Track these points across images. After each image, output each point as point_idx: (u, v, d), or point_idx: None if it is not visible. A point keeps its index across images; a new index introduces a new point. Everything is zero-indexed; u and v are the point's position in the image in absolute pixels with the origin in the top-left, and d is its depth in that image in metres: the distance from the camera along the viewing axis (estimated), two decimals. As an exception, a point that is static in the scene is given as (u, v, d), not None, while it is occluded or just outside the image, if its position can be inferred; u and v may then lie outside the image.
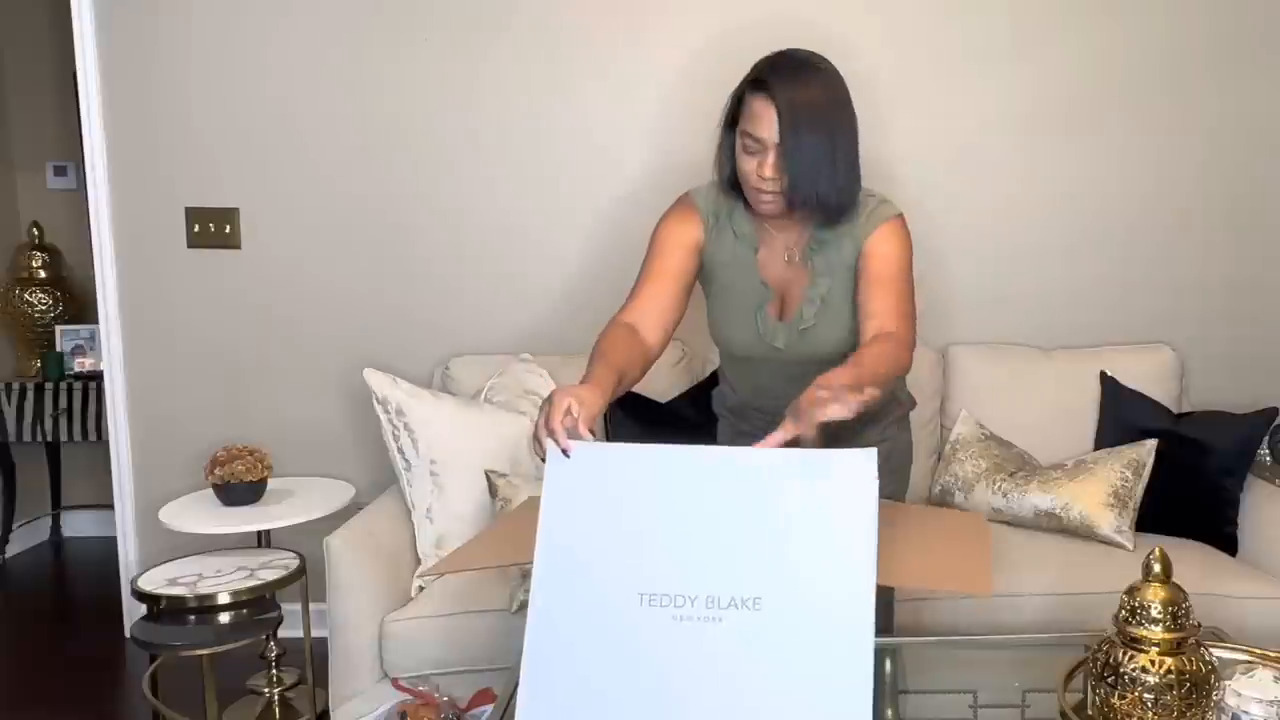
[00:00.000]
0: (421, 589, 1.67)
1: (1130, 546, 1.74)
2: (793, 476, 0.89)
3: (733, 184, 1.24)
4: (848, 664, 0.82)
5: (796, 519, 0.87)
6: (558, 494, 0.90)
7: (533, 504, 0.96)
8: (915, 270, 2.32)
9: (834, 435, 1.24)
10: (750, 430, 1.35)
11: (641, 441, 1.91)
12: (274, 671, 1.88)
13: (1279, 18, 2.07)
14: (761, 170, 1.16)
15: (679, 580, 0.86)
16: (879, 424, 1.34)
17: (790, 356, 1.27)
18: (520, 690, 0.89)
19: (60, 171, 2.90)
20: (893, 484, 1.36)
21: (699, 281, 1.31)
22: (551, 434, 0.94)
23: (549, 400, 0.98)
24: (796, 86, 1.15)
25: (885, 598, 1.35)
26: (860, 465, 0.88)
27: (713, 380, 1.98)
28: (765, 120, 1.14)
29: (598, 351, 1.15)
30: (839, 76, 1.19)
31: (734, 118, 1.20)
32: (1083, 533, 1.78)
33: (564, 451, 0.94)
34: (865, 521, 0.86)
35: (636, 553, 0.88)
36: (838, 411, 0.97)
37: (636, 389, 1.92)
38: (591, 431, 0.97)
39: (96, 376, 2.57)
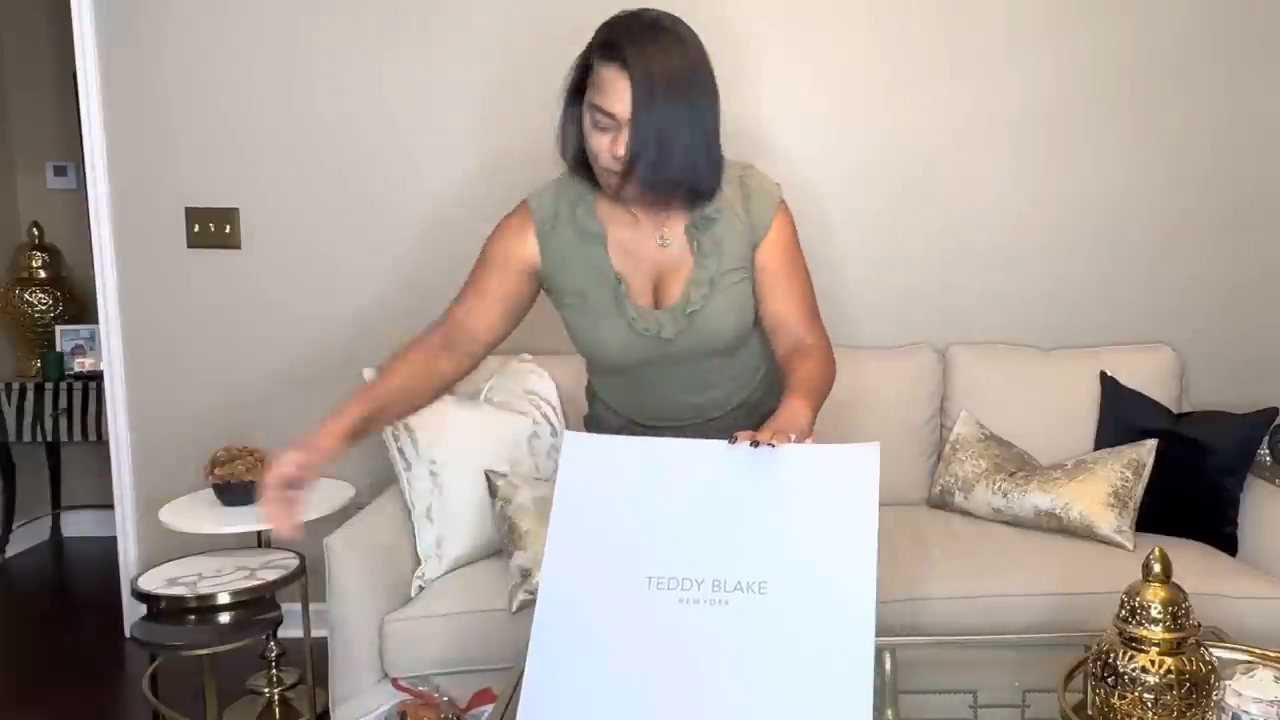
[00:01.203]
0: (421, 589, 1.67)
1: (1130, 546, 1.74)
2: (798, 467, 0.90)
3: (581, 163, 1.10)
4: (850, 648, 0.85)
5: (801, 508, 0.89)
6: (571, 481, 0.92)
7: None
8: (920, 269, 2.33)
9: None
10: None
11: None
12: (274, 671, 1.88)
13: (1277, 15, 2.07)
14: (615, 148, 1.02)
15: (686, 564, 0.88)
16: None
17: (679, 350, 1.14)
18: (527, 670, 0.90)
19: (60, 171, 2.90)
20: None
21: (551, 299, 1.18)
22: (264, 493, 0.94)
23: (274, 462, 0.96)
24: (652, 53, 1.00)
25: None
26: (863, 457, 0.91)
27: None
28: (616, 93, 1.00)
29: (380, 375, 1.12)
30: (698, 39, 1.04)
31: (579, 88, 1.06)
32: (1083, 533, 1.77)
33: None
34: (867, 510, 0.90)
35: (645, 538, 0.90)
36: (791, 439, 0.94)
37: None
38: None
39: (96, 376, 2.57)
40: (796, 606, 0.86)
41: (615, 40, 1.02)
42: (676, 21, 1.05)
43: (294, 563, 1.76)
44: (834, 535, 0.89)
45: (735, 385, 1.22)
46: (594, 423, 1.30)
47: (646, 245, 1.14)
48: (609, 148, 1.03)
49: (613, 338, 1.14)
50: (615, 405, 1.25)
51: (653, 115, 1.00)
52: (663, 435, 1.20)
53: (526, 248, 1.15)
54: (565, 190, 1.15)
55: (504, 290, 1.16)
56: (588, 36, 1.95)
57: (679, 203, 1.11)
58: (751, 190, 1.14)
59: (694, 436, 1.18)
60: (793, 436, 0.96)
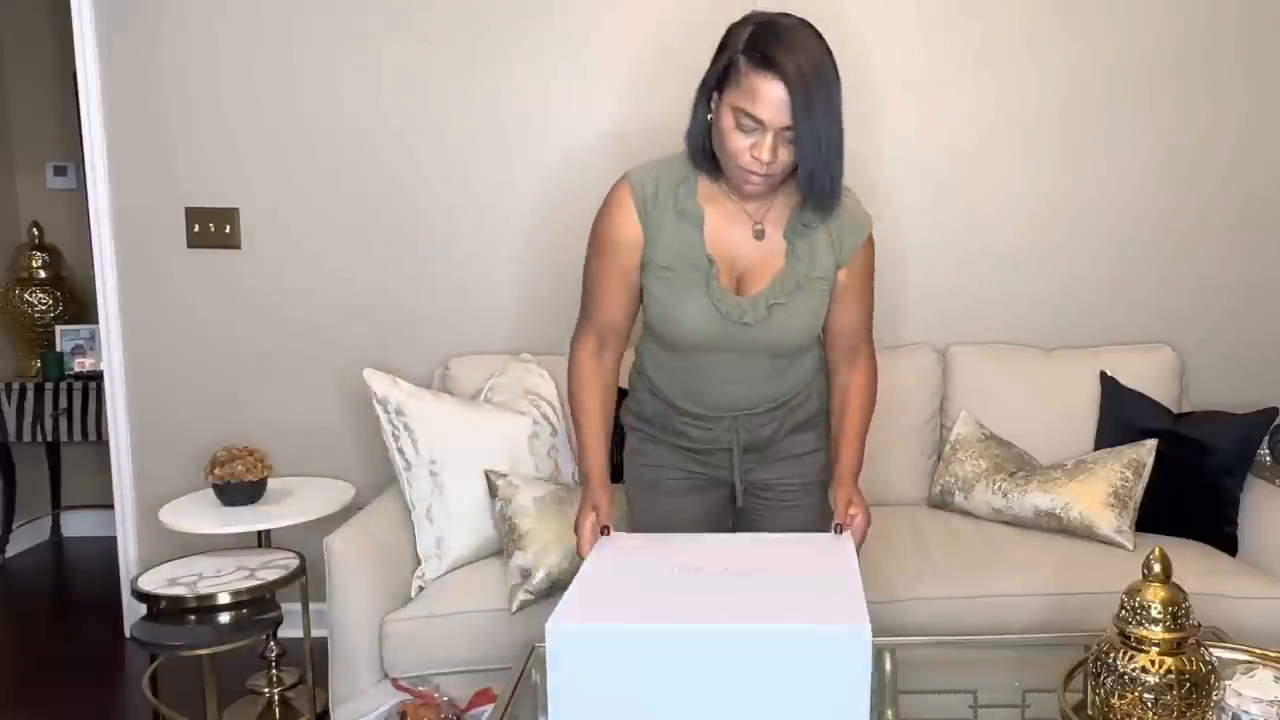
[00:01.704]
0: (421, 589, 1.67)
1: (1130, 546, 1.74)
2: (787, 653, 0.92)
3: (705, 155, 1.15)
4: None
5: (790, 696, 0.91)
6: (564, 679, 0.92)
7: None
8: (921, 269, 2.33)
9: (762, 446, 1.29)
10: (664, 440, 1.29)
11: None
12: (274, 671, 1.88)
13: (1276, 21, 2.07)
14: (758, 151, 1.08)
15: None
16: (811, 432, 1.31)
17: (750, 340, 1.19)
18: None
19: (60, 171, 2.90)
20: (825, 500, 1.32)
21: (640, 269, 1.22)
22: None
23: (580, 517, 1.18)
24: (806, 65, 1.05)
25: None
26: (851, 641, 0.90)
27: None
28: (770, 101, 1.05)
29: (583, 416, 1.25)
30: (829, 47, 1.10)
31: (718, 86, 1.10)
32: (1083, 533, 1.77)
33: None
34: (857, 698, 0.90)
35: None
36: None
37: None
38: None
39: (96, 376, 2.57)
40: None
41: (767, 49, 1.06)
42: (812, 28, 1.10)
43: (294, 563, 1.76)
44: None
45: (784, 386, 1.27)
46: (633, 404, 1.33)
47: (741, 235, 1.19)
48: (751, 150, 1.09)
49: (694, 315, 1.18)
50: (661, 387, 1.28)
51: (812, 123, 1.07)
52: (697, 423, 1.28)
53: (631, 225, 1.19)
54: (669, 170, 1.19)
55: (625, 272, 1.21)
56: (600, 36, 1.92)
57: (805, 204, 1.17)
58: (849, 211, 1.21)
59: (728, 428, 1.27)
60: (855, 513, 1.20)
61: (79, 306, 2.79)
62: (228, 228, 2.12)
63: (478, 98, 2.09)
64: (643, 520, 1.31)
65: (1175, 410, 1.97)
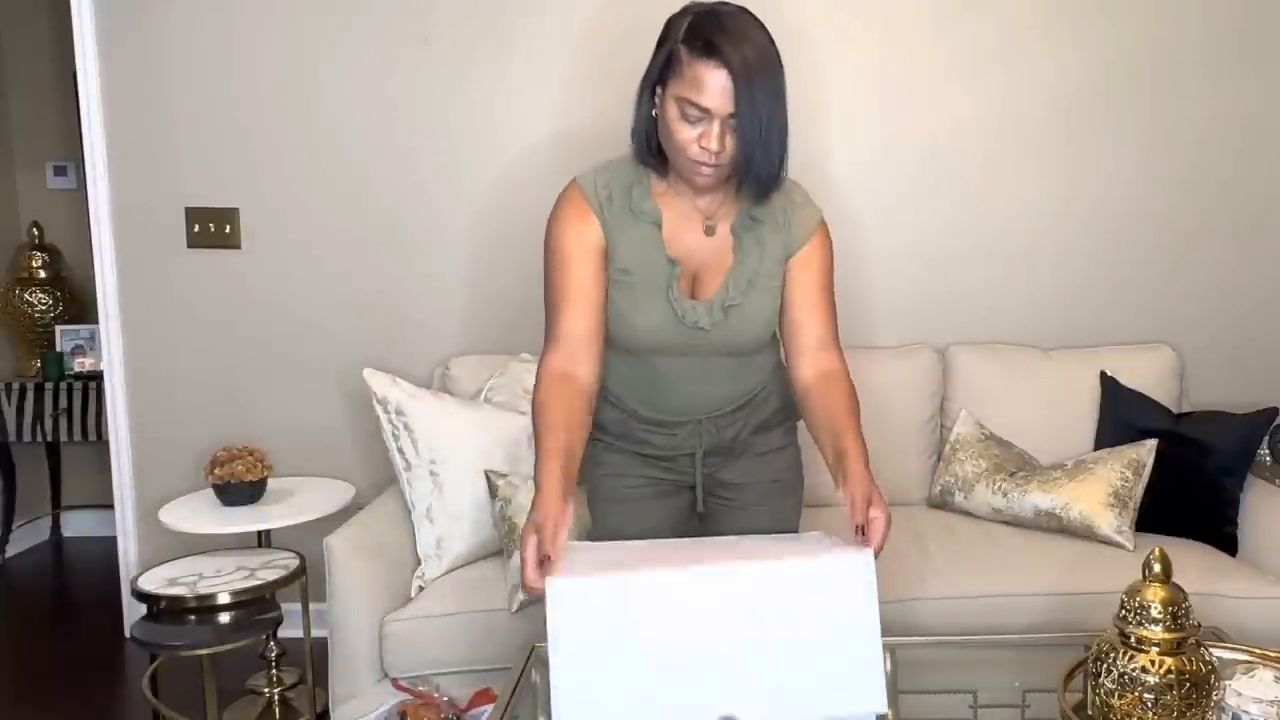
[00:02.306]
0: (421, 589, 1.67)
1: (1130, 546, 1.74)
2: (793, 591, 0.91)
3: (651, 151, 1.12)
4: None
5: (802, 636, 0.91)
6: (564, 630, 0.91)
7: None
8: (918, 271, 2.33)
9: (726, 449, 1.24)
10: (625, 449, 1.23)
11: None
12: (274, 671, 1.88)
13: (1278, 20, 2.07)
14: (705, 141, 1.05)
15: (693, 707, 0.90)
16: (775, 429, 1.27)
17: (707, 343, 1.16)
18: None
19: (60, 171, 2.90)
20: (790, 500, 1.30)
21: None
22: (531, 588, 0.95)
23: (522, 543, 0.98)
24: (749, 51, 1.03)
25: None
26: (857, 568, 0.92)
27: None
28: (714, 88, 1.02)
29: (543, 428, 1.07)
30: (770, 34, 1.07)
31: (661, 79, 1.07)
32: (1083, 533, 1.77)
33: (557, 591, 0.93)
34: (868, 627, 0.91)
35: (650, 682, 0.90)
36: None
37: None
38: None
39: (96, 376, 2.57)
40: None
41: (709, 36, 1.03)
42: (751, 15, 1.07)
43: (294, 563, 1.76)
44: (836, 662, 0.91)
45: (744, 385, 1.23)
46: (600, 415, 1.25)
47: (692, 233, 1.16)
48: (699, 140, 1.06)
49: (650, 320, 1.15)
50: (619, 395, 1.22)
51: (754, 108, 1.03)
52: (660, 430, 1.22)
53: (593, 230, 1.14)
54: (618, 172, 1.16)
55: (590, 281, 1.14)
56: (599, 34, 1.92)
57: (749, 195, 1.13)
58: (796, 204, 1.18)
59: (691, 432, 1.22)
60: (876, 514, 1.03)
61: (79, 306, 2.79)
62: (228, 228, 2.12)
63: (478, 98, 2.09)
64: (604, 530, 1.26)
65: (1175, 410, 1.97)
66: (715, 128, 1.05)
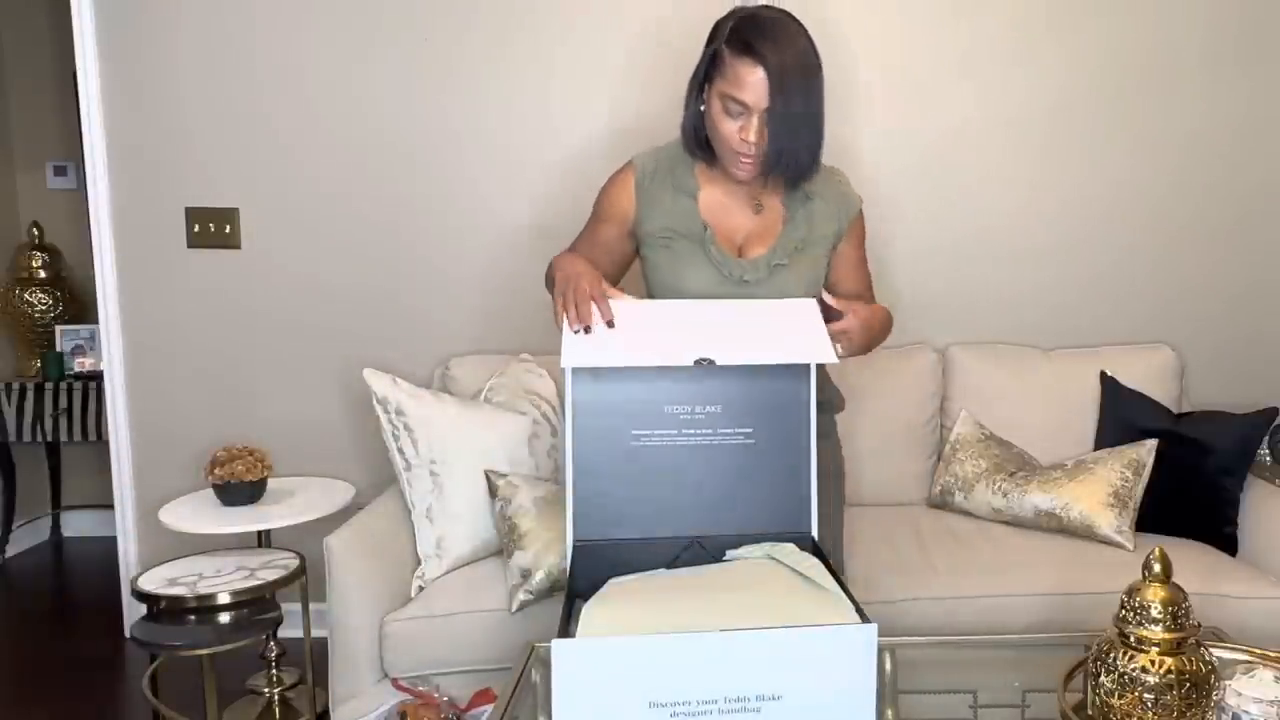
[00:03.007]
0: (421, 589, 1.67)
1: (1130, 546, 1.74)
2: (797, 655, 0.92)
3: (699, 143, 1.23)
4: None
5: (800, 698, 0.92)
6: (568, 696, 0.91)
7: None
8: (917, 271, 2.33)
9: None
10: None
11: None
12: (274, 671, 1.89)
13: (1278, 17, 2.08)
14: (745, 134, 1.16)
15: None
16: (821, 414, 1.29)
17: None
18: None
19: (60, 171, 2.91)
20: (829, 492, 1.32)
21: (642, 249, 1.28)
22: (595, 301, 1.08)
23: (566, 284, 1.10)
24: (784, 51, 1.14)
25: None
26: (859, 641, 0.92)
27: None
28: (753, 85, 1.14)
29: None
30: (809, 35, 1.18)
31: (707, 77, 1.19)
32: (1083, 533, 1.78)
33: (608, 324, 1.07)
34: (865, 693, 0.91)
35: None
36: (841, 351, 1.14)
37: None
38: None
39: (96, 376, 2.58)
40: None
41: (748, 38, 1.15)
42: (794, 18, 1.19)
43: (294, 562, 1.76)
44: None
45: None
46: None
47: (739, 210, 1.27)
48: (739, 133, 1.17)
49: (696, 278, 1.24)
50: None
51: (786, 106, 1.15)
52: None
53: (626, 199, 1.28)
54: (670, 152, 1.29)
55: (608, 241, 1.30)
56: (600, 36, 1.93)
57: (787, 181, 1.24)
58: (841, 191, 1.30)
59: None
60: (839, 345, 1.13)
61: (79, 306, 2.80)
62: (228, 228, 2.13)
63: (478, 98, 2.09)
64: None
65: (1175, 410, 1.97)
66: (754, 121, 1.16)
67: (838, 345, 1.13)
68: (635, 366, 1.07)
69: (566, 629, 0.97)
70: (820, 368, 1.30)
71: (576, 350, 1.07)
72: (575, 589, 1.07)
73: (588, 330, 1.08)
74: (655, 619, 0.97)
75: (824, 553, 1.12)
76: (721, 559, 1.12)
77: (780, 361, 1.08)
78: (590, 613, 1.00)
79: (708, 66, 1.19)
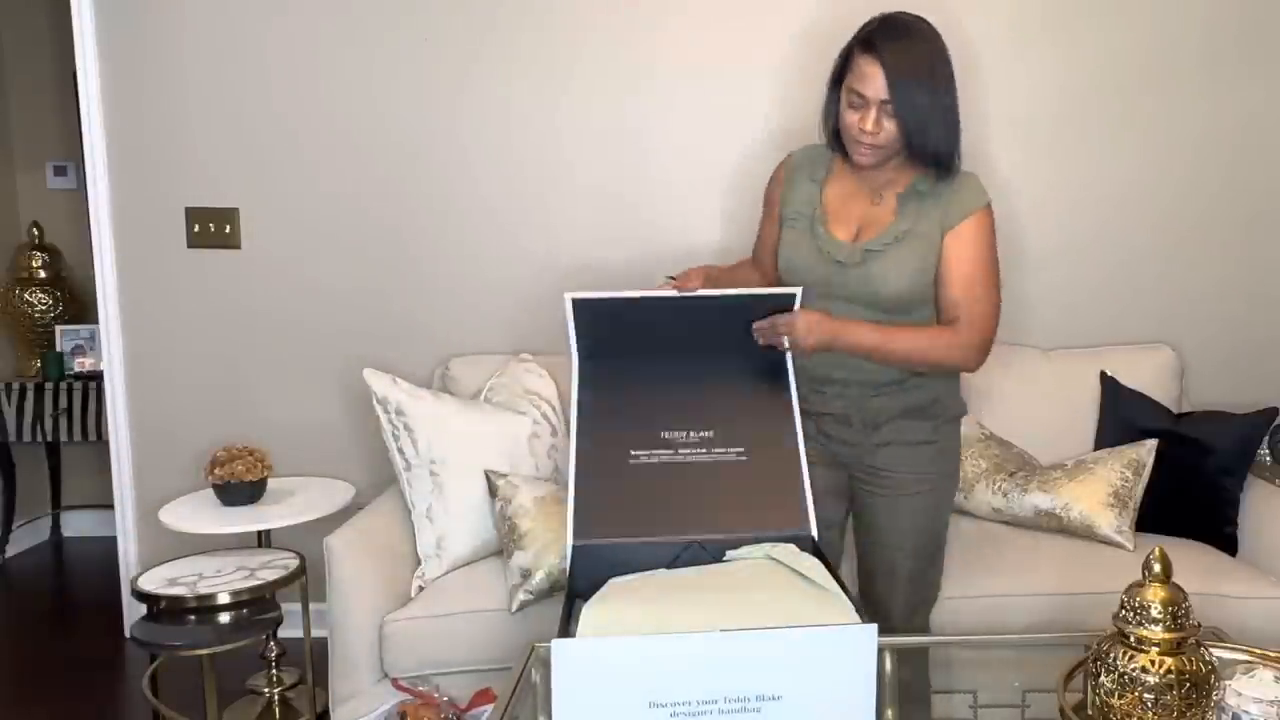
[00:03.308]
0: (421, 589, 1.68)
1: (1130, 546, 1.74)
2: (797, 655, 0.92)
3: (836, 137, 1.36)
4: None
5: (800, 699, 0.92)
6: (569, 695, 0.92)
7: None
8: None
9: (871, 422, 1.38)
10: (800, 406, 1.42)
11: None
12: (274, 671, 1.89)
13: (1277, 19, 2.08)
14: (863, 123, 1.28)
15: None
16: (925, 421, 1.40)
17: (849, 285, 1.34)
18: None
19: (60, 171, 2.91)
20: (941, 489, 1.44)
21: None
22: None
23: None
24: (901, 48, 1.26)
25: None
26: (859, 642, 0.92)
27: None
28: (871, 78, 1.26)
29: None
30: (940, 39, 1.31)
31: (840, 75, 1.32)
32: (1083, 533, 1.78)
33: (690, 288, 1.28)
34: (865, 694, 0.92)
35: None
36: (790, 343, 1.27)
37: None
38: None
39: (96, 376, 2.58)
40: None
41: (872, 38, 1.28)
42: (921, 21, 1.32)
43: (294, 562, 1.76)
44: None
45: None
46: None
47: (861, 199, 1.38)
48: (859, 123, 1.29)
49: (801, 253, 1.38)
50: None
51: (903, 97, 1.26)
52: (816, 385, 1.39)
53: (777, 188, 1.46)
54: (818, 149, 1.44)
55: (770, 235, 1.46)
56: (597, 36, 1.93)
57: (918, 173, 1.34)
58: (961, 187, 1.36)
59: (838, 393, 1.39)
60: (785, 342, 1.27)
61: (79, 306, 2.80)
62: (228, 228, 2.13)
63: (477, 99, 2.09)
64: None
65: (1175, 410, 1.97)
66: (871, 112, 1.27)
67: (784, 340, 1.27)
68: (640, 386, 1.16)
69: (566, 629, 0.98)
70: (950, 384, 1.43)
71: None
72: (575, 589, 1.08)
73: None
74: (655, 619, 0.97)
75: (823, 553, 1.12)
76: (721, 560, 1.12)
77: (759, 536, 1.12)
78: (590, 613, 1.00)
79: (840, 66, 1.32)
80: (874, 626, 0.93)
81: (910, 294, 1.34)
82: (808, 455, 1.40)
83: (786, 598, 1.02)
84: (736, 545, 1.14)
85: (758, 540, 1.12)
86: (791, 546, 1.12)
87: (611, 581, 1.07)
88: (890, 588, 1.45)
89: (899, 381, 1.37)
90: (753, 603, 1.01)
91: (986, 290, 1.37)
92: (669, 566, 1.12)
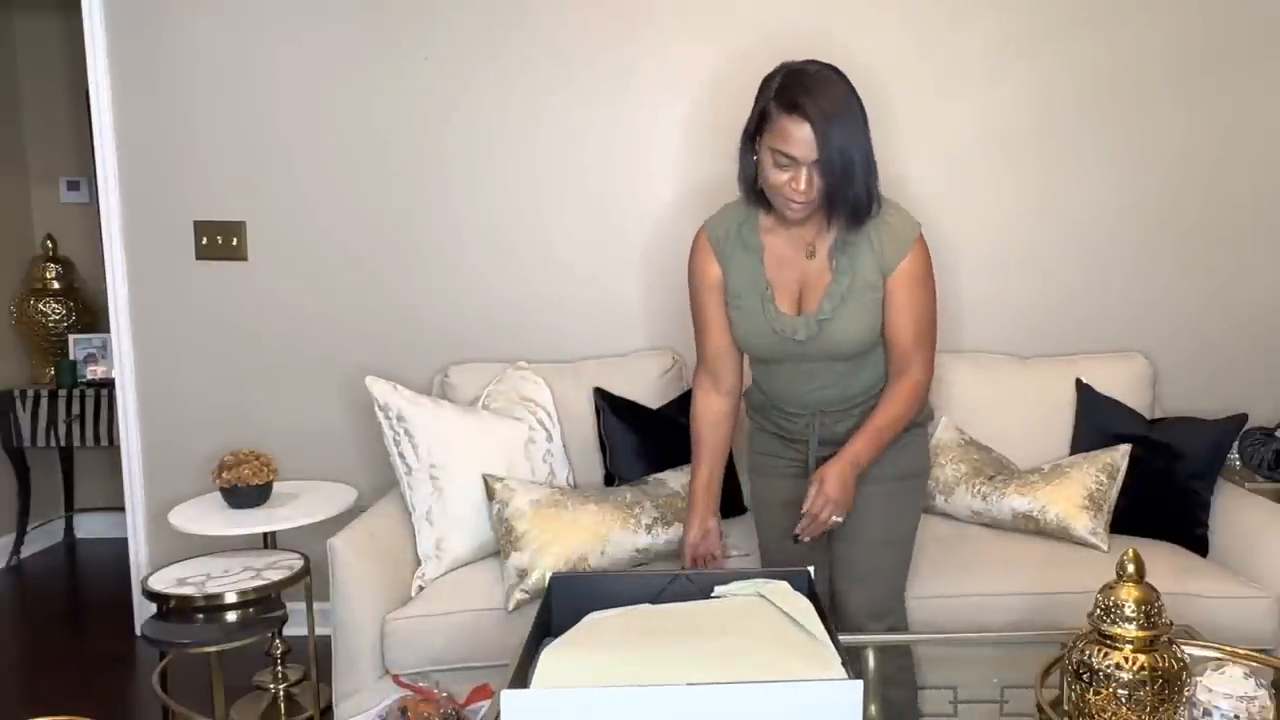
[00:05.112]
0: (421, 589, 1.70)
1: (1105, 547, 1.76)
2: (766, 713, 0.85)
3: (755, 193, 1.31)
4: None
5: None
6: None
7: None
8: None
9: (837, 440, 1.40)
10: (769, 429, 1.48)
11: (634, 443, 1.97)
12: (279, 668, 1.91)
13: (1247, 35, 2.10)
14: (794, 184, 1.24)
15: None
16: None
17: (810, 351, 1.34)
18: None
19: (73, 186, 2.95)
20: (903, 490, 1.44)
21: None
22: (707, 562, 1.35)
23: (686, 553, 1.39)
24: (827, 105, 1.20)
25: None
26: (842, 698, 0.85)
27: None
28: (799, 140, 1.21)
29: (696, 449, 1.45)
30: (851, 84, 1.26)
31: (756, 130, 1.26)
32: (1059, 534, 1.80)
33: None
34: None
35: None
36: (836, 515, 1.30)
37: (627, 395, 1.99)
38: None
39: (108, 384, 2.62)
40: None
41: (793, 98, 1.21)
42: (835, 70, 1.26)
43: (298, 563, 1.78)
44: None
45: (858, 385, 1.40)
46: (750, 395, 1.51)
47: (795, 257, 1.34)
48: (789, 184, 1.25)
49: (756, 336, 1.36)
50: (761, 386, 1.47)
51: (830, 156, 1.22)
52: (786, 416, 1.44)
53: (713, 266, 1.39)
54: (734, 212, 1.38)
55: (716, 308, 1.40)
56: (593, 54, 1.92)
57: (841, 222, 1.30)
58: (889, 226, 1.32)
59: (808, 423, 1.41)
60: (839, 518, 1.30)
61: (91, 316, 2.84)
62: (235, 240, 2.17)
63: (475, 114, 2.12)
64: (753, 496, 1.56)
65: (1148, 416, 1.99)
66: (803, 173, 1.23)
67: (835, 518, 1.29)
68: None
69: (525, 673, 0.90)
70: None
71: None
72: (551, 621, 1.01)
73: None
74: (620, 667, 0.89)
75: (817, 593, 1.07)
76: (709, 594, 1.06)
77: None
78: (549, 658, 0.93)
79: (758, 121, 1.26)
80: (859, 683, 0.85)
81: (866, 342, 1.35)
82: (777, 470, 1.47)
83: (768, 645, 0.94)
84: (726, 580, 1.08)
85: (750, 575, 1.06)
86: (784, 584, 1.05)
87: (588, 617, 1.01)
88: (849, 585, 1.43)
89: (861, 402, 1.39)
90: (730, 650, 0.92)
91: (932, 325, 1.37)
92: (654, 600, 1.06)
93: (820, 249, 1.33)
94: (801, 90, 1.21)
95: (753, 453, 1.52)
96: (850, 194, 1.24)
